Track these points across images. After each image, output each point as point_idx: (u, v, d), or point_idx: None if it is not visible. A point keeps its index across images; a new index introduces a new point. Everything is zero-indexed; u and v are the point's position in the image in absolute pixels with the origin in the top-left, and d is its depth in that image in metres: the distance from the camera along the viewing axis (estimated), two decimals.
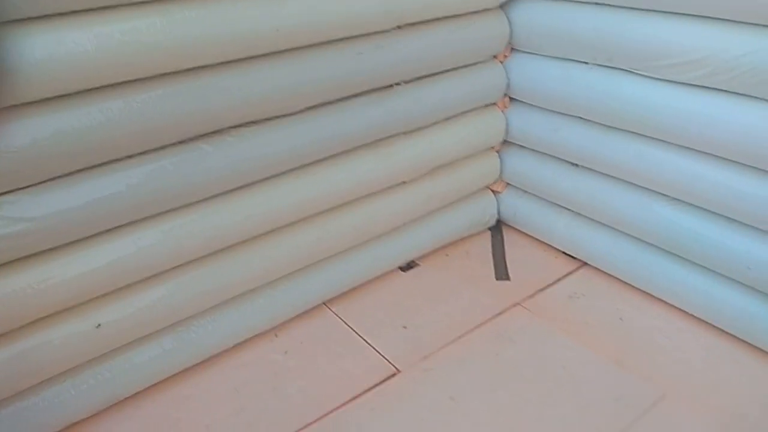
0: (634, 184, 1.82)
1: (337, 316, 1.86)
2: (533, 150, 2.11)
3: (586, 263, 2.06)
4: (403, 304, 1.90)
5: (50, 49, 1.15)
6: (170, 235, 1.47)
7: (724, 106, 1.53)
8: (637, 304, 1.87)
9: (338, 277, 1.91)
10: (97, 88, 1.25)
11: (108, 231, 1.38)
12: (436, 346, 1.72)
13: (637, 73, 1.69)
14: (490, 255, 2.15)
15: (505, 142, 2.19)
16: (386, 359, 1.68)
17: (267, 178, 1.62)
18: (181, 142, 1.42)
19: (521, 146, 2.15)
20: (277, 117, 1.57)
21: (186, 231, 1.49)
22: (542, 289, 1.96)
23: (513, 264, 2.09)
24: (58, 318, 1.38)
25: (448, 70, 1.91)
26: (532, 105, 2.04)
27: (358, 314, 1.86)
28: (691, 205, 1.70)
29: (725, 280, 1.68)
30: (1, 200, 1.22)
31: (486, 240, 2.23)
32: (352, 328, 1.80)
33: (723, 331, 1.71)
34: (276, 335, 1.78)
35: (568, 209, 2.06)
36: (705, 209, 1.67)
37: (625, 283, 1.93)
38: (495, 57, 2.03)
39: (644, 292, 1.88)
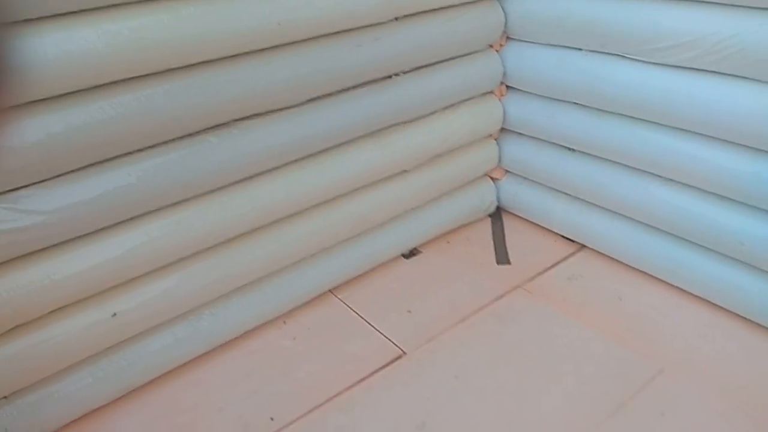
0: (630, 167, 1.87)
1: (343, 302, 1.91)
2: (530, 136, 2.15)
3: (584, 246, 2.10)
4: (406, 290, 1.95)
5: (61, 46, 1.20)
6: (180, 226, 1.51)
7: (714, 86, 1.57)
8: (635, 284, 1.91)
9: (343, 265, 1.95)
10: (107, 84, 1.29)
11: (121, 223, 1.43)
12: (440, 329, 1.77)
13: (629, 58, 1.73)
14: (491, 241, 2.20)
15: (503, 130, 2.23)
16: (392, 342, 1.73)
17: (271, 170, 1.67)
18: (188, 135, 1.47)
19: (519, 133, 2.19)
20: (279, 109, 1.61)
21: (195, 222, 1.54)
22: (542, 272, 2.00)
23: (513, 249, 2.14)
24: (74, 308, 1.43)
25: (445, 60, 1.95)
26: (528, 92, 2.09)
27: (363, 300, 1.91)
28: (685, 184, 1.75)
29: (720, 257, 1.73)
30: (17, 194, 1.26)
31: (486, 226, 2.28)
32: (358, 314, 1.85)
33: (719, 306, 1.76)
34: (284, 322, 1.83)
35: (566, 193, 2.10)
36: (698, 188, 1.72)
37: (623, 263, 1.98)
38: (491, 46, 2.07)
39: (642, 272, 1.93)
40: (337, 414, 1.52)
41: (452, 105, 2.04)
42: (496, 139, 2.26)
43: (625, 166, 1.88)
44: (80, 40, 1.22)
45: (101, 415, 1.54)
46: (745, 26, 1.47)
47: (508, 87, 2.16)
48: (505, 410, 1.50)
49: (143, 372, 1.59)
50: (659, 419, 1.45)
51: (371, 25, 1.69)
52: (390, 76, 1.82)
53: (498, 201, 2.32)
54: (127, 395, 1.58)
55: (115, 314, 1.46)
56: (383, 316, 1.84)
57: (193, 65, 1.40)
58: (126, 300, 1.49)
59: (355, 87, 1.75)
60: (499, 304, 1.87)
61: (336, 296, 1.93)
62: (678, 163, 1.72)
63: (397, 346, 1.72)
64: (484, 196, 2.28)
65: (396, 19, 1.74)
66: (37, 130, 1.23)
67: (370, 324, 1.81)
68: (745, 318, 1.71)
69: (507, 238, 2.20)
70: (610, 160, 1.91)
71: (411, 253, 2.14)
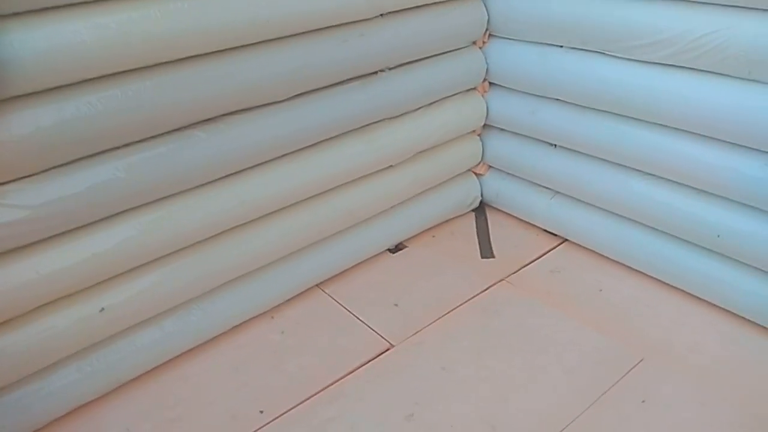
0: (610, 162, 1.91)
1: (330, 297, 1.92)
2: (513, 132, 2.19)
3: (566, 239, 2.15)
4: (393, 284, 1.97)
5: (50, 40, 1.20)
6: (168, 220, 1.52)
7: (691, 83, 1.62)
8: (616, 276, 1.96)
9: (330, 259, 1.97)
10: (95, 78, 1.29)
11: (109, 217, 1.43)
12: (426, 321, 1.80)
13: (609, 55, 1.78)
14: (475, 235, 2.23)
15: (486, 126, 2.26)
16: (380, 335, 1.75)
17: (258, 164, 1.68)
18: (176, 130, 1.47)
19: (501, 129, 2.23)
20: (267, 104, 1.63)
21: (183, 217, 1.55)
22: (525, 265, 2.04)
23: (497, 243, 2.17)
24: (62, 303, 1.42)
25: (429, 57, 1.97)
26: (510, 89, 2.12)
27: (350, 294, 1.93)
28: (664, 179, 1.80)
29: (697, 249, 1.78)
30: (5, 189, 1.26)
31: (470, 221, 2.31)
32: (345, 308, 1.87)
33: (697, 297, 1.81)
34: (272, 317, 1.84)
35: (548, 188, 2.15)
36: (677, 182, 1.77)
37: (604, 256, 2.02)
38: (474, 43, 2.10)
39: (622, 264, 1.98)
40: (327, 406, 1.54)
41: (436, 101, 2.06)
42: (479, 135, 2.29)
43: (606, 161, 1.92)
44: (69, 33, 1.22)
45: (89, 411, 1.53)
46: (720, 23, 1.52)
47: (490, 83, 2.19)
48: (491, 400, 1.54)
49: (132, 367, 1.59)
50: (640, 407, 1.50)
51: (357, 22, 1.71)
52: (376, 72, 1.84)
53: (482, 196, 2.36)
54: (116, 390, 1.57)
55: (103, 309, 1.46)
56: (370, 309, 1.86)
57: (181, 60, 1.40)
58: (114, 295, 1.48)
59: (341, 83, 1.76)
60: (483, 296, 1.90)
61: (323, 291, 1.95)
62: (657, 158, 1.77)
63: (384, 338, 1.74)
64: (468, 192, 2.31)
65: (381, 15, 1.76)
66: (25, 124, 1.23)
67: (357, 318, 1.83)
68: (722, 308, 1.77)
69: (491, 233, 2.23)
70: (591, 156, 1.96)
71: (397, 248, 2.16)
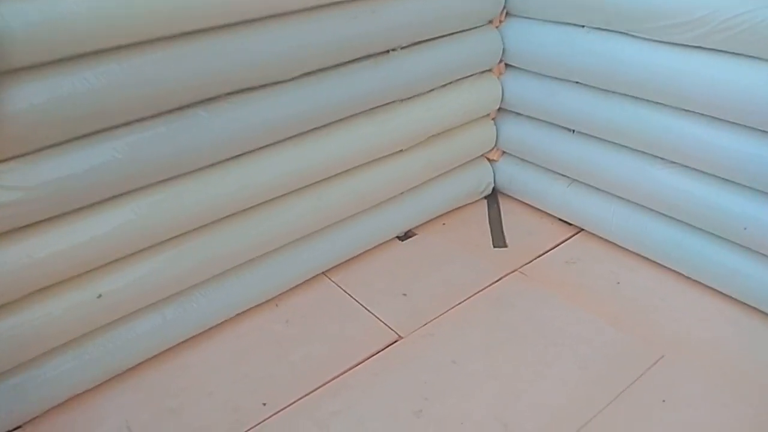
0: (631, 148, 1.83)
1: (337, 285, 1.86)
2: (529, 117, 2.10)
3: (582, 229, 2.07)
4: (402, 273, 1.91)
5: (45, 12, 1.12)
6: (169, 203, 1.45)
7: (722, 66, 1.53)
8: (634, 268, 1.89)
9: (337, 246, 1.90)
10: (92, 53, 1.22)
11: (106, 200, 1.37)
12: (436, 313, 1.73)
13: (634, 36, 1.68)
14: (487, 223, 2.16)
15: (501, 110, 2.18)
16: (388, 326, 1.69)
17: (264, 146, 1.61)
18: (177, 109, 1.40)
19: (517, 113, 2.14)
20: (272, 83, 1.55)
21: (184, 200, 1.48)
22: (539, 256, 1.97)
23: (510, 231, 2.10)
24: (58, 288, 1.37)
25: (443, 36, 1.88)
26: (527, 71, 2.03)
27: (358, 283, 1.86)
28: (687, 167, 1.71)
29: (721, 241, 1.70)
30: None
31: (482, 208, 2.24)
32: (352, 297, 1.81)
33: (719, 291, 1.74)
34: (276, 305, 1.78)
35: (564, 176, 2.06)
36: (701, 171, 1.69)
37: (622, 247, 1.95)
38: (490, 22, 2.01)
39: (640, 256, 1.90)
40: (332, 399, 1.48)
41: (450, 83, 1.98)
42: (493, 119, 2.20)
43: (627, 147, 1.84)
44: (64, 5, 1.14)
45: (87, 400, 1.49)
46: (755, 3, 1.42)
47: (507, 65, 2.10)
48: (502, 396, 1.47)
49: (131, 355, 1.54)
50: (660, 406, 1.43)
51: None
52: (387, 51, 1.76)
53: (494, 183, 2.28)
54: (114, 379, 1.52)
55: (100, 295, 1.41)
56: (378, 299, 1.79)
57: (182, 34, 1.33)
58: (112, 280, 1.43)
59: (351, 61, 1.68)
60: (495, 287, 1.83)
61: (330, 279, 1.89)
62: (681, 144, 1.69)
63: (392, 330, 1.68)
64: (480, 178, 2.23)
65: None
66: (18, 100, 1.16)
67: (364, 307, 1.77)
68: (745, 303, 1.69)
69: (503, 221, 2.16)
70: (611, 142, 1.87)
71: (406, 235, 2.09)
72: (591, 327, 1.66)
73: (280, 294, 1.79)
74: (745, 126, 1.55)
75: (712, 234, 1.71)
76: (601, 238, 2.01)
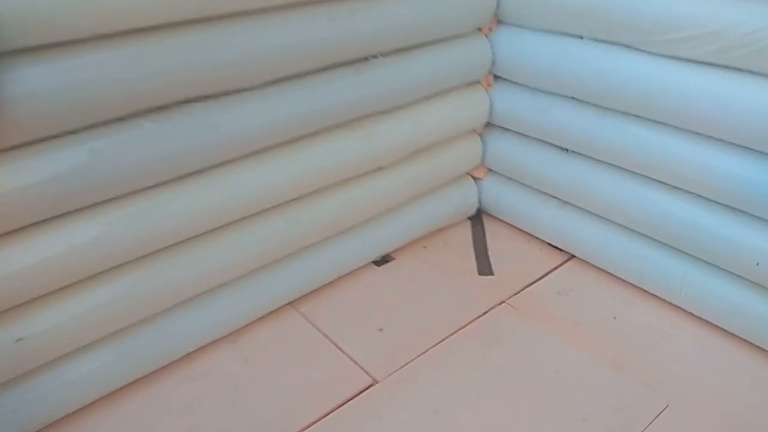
0: (630, 171, 1.67)
1: (304, 317, 1.66)
2: (519, 133, 1.93)
3: (574, 256, 1.91)
4: (378, 304, 1.72)
5: None
6: (108, 230, 1.24)
7: (739, 85, 1.38)
8: (631, 301, 1.73)
9: (306, 273, 1.70)
10: (48, 46, 1.00)
11: (29, 226, 1.15)
12: (416, 352, 1.54)
13: (638, 49, 1.53)
14: (472, 247, 1.98)
15: (488, 125, 2.01)
16: (361, 368, 1.50)
17: (223, 163, 1.41)
18: (117, 120, 1.19)
19: (505, 129, 1.98)
20: (234, 91, 1.35)
21: (128, 225, 1.27)
22: (529, 285, 1.80)
23: (496, 257, 1.93)
24: None
25: (429, 43, 1.71)
26: (519, 84, 1.87)
27: (328, 316, 1.66)
28: (692, 194, 1.56)
29: (727, 276, 1.55)
30: None
31: (466, 230, 2.06)
32: (321, 332, 1.61)
33: (724, 330, 1.59)
34: (235, 341, 1.57)
35: (556, 197, 1.90)
36: (708, 199, 1.54)
37: (617, 277, 1.79)
38: (480, 30, 1.84)
39: (637, 287, 1.75)
40: None
41: (435, 94, 1.80)
42: (480, 135, 2.03)
43: (625, 170, 1.68)
44: None
45: None
46: None
47: (496, 77, 1.94)
48: None
49: (59, 405, 1.31)
50: None
51: None
52: (367, 58, 1.57)
53: (479, 203, 2.11)
54: None
55: (21, 339, 1.18)
56: (351, 334, 1.60)
57: (127, 32, 1.12)
58: (36, 321, 1.21)
59: (326, 69, 1.49)
60: (482, 322, 1.65)
61: (297, 310, 1.68)
62: (688, 170, 1.53)
63: (366, 372, 1.49)
64: (465, 197, 2.06)
65: None
66: None
67: (335, 344, 1.57)
68: (754, 345, 1.55)
69: (489, 245, 1.98)
70: (608, 163, 1.72)
71: (383, 260, 1.90)
72: (589, 371, 1.49)
73: (239, 328, 1.59)
74: (760, 152, 1.41)
75: (719, 268, 1.56)
76: (594, 266, 1.85)
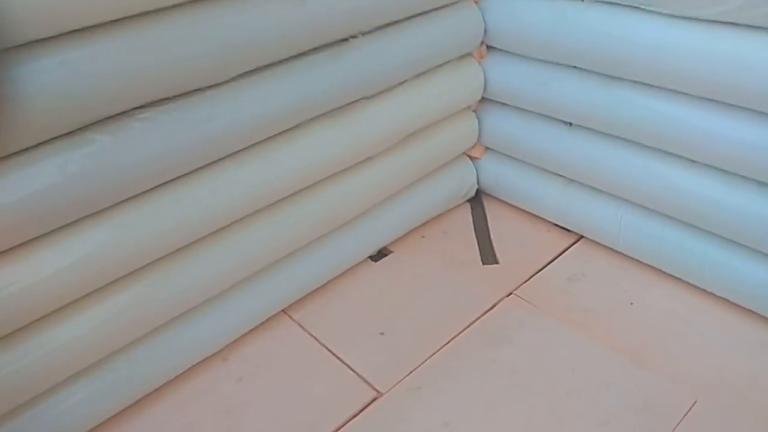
0: (641, 144, 1.54)
1: (299, 325, 1.54)
2: (517, 108, 1.79)
3: (582, 236, 1.79)
4: (377, 304, 1.60)
5: None
6: (84, 251, 1.12)
7: (760, 47, 1.24)
8: (647, 284, 1.62)
9: (298, 277, 1.58)
10: None
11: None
12: (421, 357, 1.43)
13: (647, 10, 1.38)
14: (473, 233, 1.86)
15: (483, 99, 1.86)
16: (363, 379, 1.39)
17: (199, 168, 1.27)
18: (68, 134, 1.05)
19: (502, 103, 1.83)
20: (199, 90, 1.20)
21: (103, 246, 1.14)
22: (537, 272, 1.68)
23: (500, 242, 1.80)
24: None
25: (412, 16, 1.55)
26: (515, 54, 1.71)
27: (325, 321, 1.55)
28: (712, 167, 1.43)
29: (752, 254, 1.44)
30: None
31: (466, 215, 1.93)
32: (319, 341, 1.50)
33: (751, 311, 1.48)
34: (226, 358, 1.46)
35: (561, 175, 1.77)
36: (730, 172, 1.41)
37: (632, 258, 1.67)
38: None
39: (653, 268, 1.63)
40: None
41: (424, 73, 1.65)
42: (475, 111, 1.89)
43: (636, 143, 1.55)
44: None
45: None
46: None
47: (489, 47, 1.78)
48: None
49: None
50: None
51: None
52: (346, 39, 1.41)
53: (478, 184, 1.97)
54: None
55: None
56: (350, 341, 1.49)
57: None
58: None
59: (300, 55, 1.34)
60: (489, 317, 1.54)
61: (291, 317, 1.57)
62: (706, 141, 1.40)
63: (369, 384, 1.38)
64: (463, 179, 1.92)
65: None
66: None
67: (334, 354, 1.46)
68: None
69: (491, 230, 1.86)
70: (617, 137, 1.58)
71: (380, 254, 1.78)
72: (609, 366, 1.39)
73: (230, 344, 1.47)
74: None
75: (743, 246, 1.44)
76: (605, 246, 1.73)
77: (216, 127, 1.24)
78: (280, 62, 1.31)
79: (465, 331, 1.50)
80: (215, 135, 1.25)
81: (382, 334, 1.51)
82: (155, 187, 1.21)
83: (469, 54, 1.76)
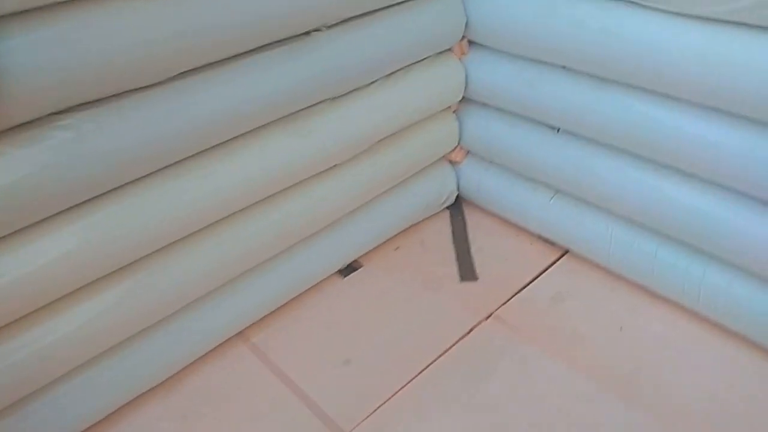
0: (635, 154, 1.39)
1: (255, 352, 1.39)
2: (500, 110, 1.63)
3: (568, 251, 1.65)
4: (343, 327, 1.45)
5: None
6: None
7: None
8: (638, 306, 1.48)
9: (257, 296, 1.43)
10: None
11: None
12: (389, 389, 1.29)
13: (644, 5, 1.23)
14: (451, 245, 1.71)
15: (464, 99, 1.70)
16: (327, 415, 1.25)
17: (139, 179, 1.12)
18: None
19: (485, 104, 1.67)
20: (133, 90, 1.03)
21: (19, 269, 0.98)
22: (519, 291, 1.54)
23: (480, 255, 1.66)
24: None
25: (383, 7, 1.38)
26: (499, 50, 1.55)
27: (284, 347, 1.40)
28: (711, 182, 1.30)
29: (755, 279, 1.30)
30: None
31: (444, 223, 1.79)
32: (276, 370, 1.35)
33: (752, 342, 1.35)
34: (169, 393, 1.30)
35: (547, 184, 1.62)
36: (732, 189, 1.27)
37: (621, 277, 1.54)
38: None
39: (646, 289, 1.50)
40: None
41: (398, 70, 1.49)
42: (455, 112, 1.73)
43: (630, 153, 1.40)
44: None
45: None
46: None
47: (471, 42, 1.62)
48: None
49: None
50: None
51: None
52: (307, 33, 1.25)
53: (458, 190, 1.82)
54: None
55: None
56: (312, 370, 1.34)
57: None
58: None
59: (255, 50, 1.17)
60: (466, 344, 1.40)
61: (246, 342, 1.42)
62: (708, 154, 1.26)
63: (332, 421, 1.23)
64: (442, 186, 1.77)
65: None
66: None
67: (294, 385, 1.31)
68: None
69: (471, 241, 1.71)
70: (609, 145, 1.43)
71: (350, 268, 1.63)
72: (597, 405, 1.25)
73: (175, 373, 1.32)
74: None
75: (745, 269, 1.31)
76: (593, 262, 1.59)
77: (146, 136, 1.07)
78: (227, 60, 1.14)
79: (440, 359, 1.36)
80: (145, 144, 1.08)
81: (347, 362, 1.36)
82: (91, 200, 1.05)
83: (448, 50, 1.60)
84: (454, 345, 1.39)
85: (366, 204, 1.59)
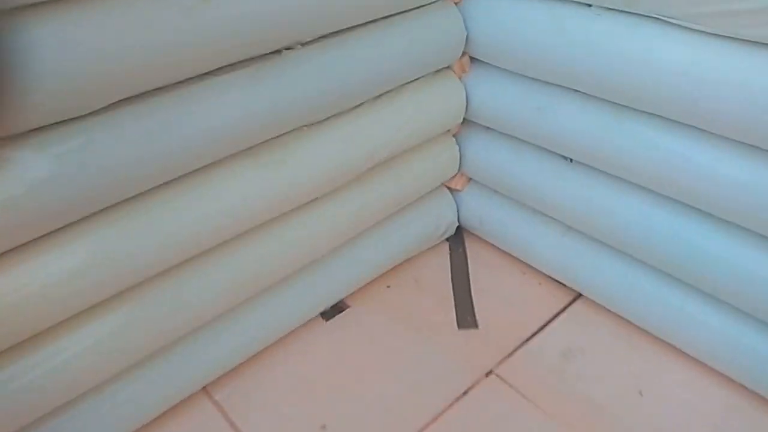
0: (654, 192, 1.21)
1: (219, 410, 1.23)
2: (505, 134, 1.45)
3: (581, 294, 1.46)
4: (321, 383, 1.28)
5: None
6: None
7: None
8: (661, 366, 1.29)
9: (225, 345, 1.27)
10: None
11: None
12: None
13: (667, 22, 1.05)
14: (449, 283, 1.53)
15: (465, 121, 1.53)
16: None
17: (88, 216, 0.96)
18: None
19: (487, 127, 1.50)
20: (77, 117, 0.88)
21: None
22: (524, 342, 1.36)
23: (481, 297, 1.48)
24: None
25: (374, 20, 1.21)
26: (503, 69, 1.38)
27: (252, 405, 1.24)
28: (748, 230, 1.11)
29: None
30: None
31: (443, 258, 1.61)
32: None
33: None
34: None
35: (558, 220, 1.44)
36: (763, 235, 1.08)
37: (640, 328, 1.35)
38: None
39: (669, 344, 1.31)
40: None
41: (390, 90, 1.31)
42: (455, 135, 1.56)
43: (647, 189, 1.22)
44: None
45: None
46: None
47: (472, 59, 1.44)
48: None
49: None
50: None
51: None
52: (278, 51, 1.08)
53: (458, 220, 1.65)
54: None
55: None
56: None
57: None
58: None
59: (217, 71, 1.01)
60: (461, 408, 1.22)
61: (210, 398, 1.25)
62: (744, 199, 1.07)
63: None
64: (440, 216, 1.60)
65: None
66: None
67: None
68: None
69: (472, 280, 1.53)
70: (625, 181, 1.25)
71: (335, 309, 1.46)
72: None
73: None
74: None
75: None
76: (608, 310, 1.40)
77: (109, 166, 0.92)
78: (184, 82, 0.98)
79: (431, 426, 1.18)
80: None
81: (323, 428, 1.19)
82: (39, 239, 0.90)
83: (447, 67, 1.42)
84: (448, 408, 1.22)
85: (355, 237, 1.42)
